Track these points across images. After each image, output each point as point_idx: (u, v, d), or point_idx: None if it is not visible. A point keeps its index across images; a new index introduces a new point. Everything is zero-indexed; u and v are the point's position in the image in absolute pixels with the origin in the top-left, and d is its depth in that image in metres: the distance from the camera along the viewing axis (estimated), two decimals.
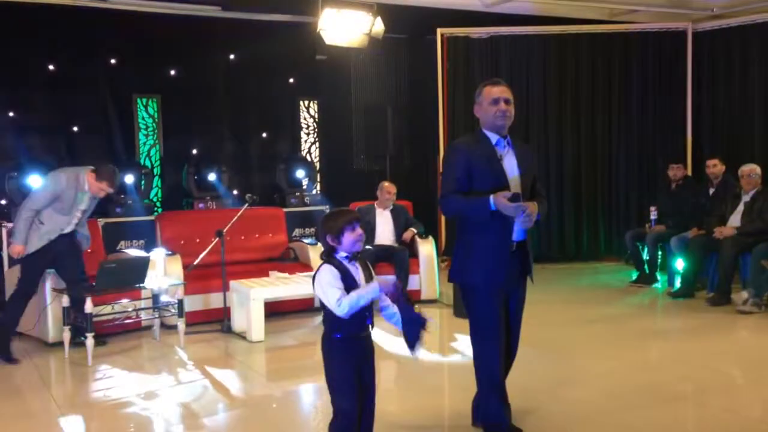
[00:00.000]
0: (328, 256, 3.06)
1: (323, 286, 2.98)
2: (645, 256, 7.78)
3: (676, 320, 6.52)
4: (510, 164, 3.54)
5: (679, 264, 7.29)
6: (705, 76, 9.13)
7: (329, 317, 3.02)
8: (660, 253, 7.72)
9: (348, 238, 3.01)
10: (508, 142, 3.58)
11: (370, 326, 3.08)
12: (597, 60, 9.27)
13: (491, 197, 3.37)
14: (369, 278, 3.09)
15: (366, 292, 2.96)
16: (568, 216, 9.38)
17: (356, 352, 3.04)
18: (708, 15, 9.22)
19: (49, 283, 5.66)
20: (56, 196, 5.46)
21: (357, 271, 3.05)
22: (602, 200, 9.38)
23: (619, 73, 9.26)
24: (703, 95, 9.15)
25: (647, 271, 7.76)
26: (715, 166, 7.54)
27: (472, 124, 9.08)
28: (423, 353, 3.20)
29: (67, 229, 5.55)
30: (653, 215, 7.80)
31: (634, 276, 7.88)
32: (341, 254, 3.05)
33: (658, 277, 7.75)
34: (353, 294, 2.95)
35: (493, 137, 3.55)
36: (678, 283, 7.27)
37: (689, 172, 8.54)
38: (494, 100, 3.53)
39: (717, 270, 6.82)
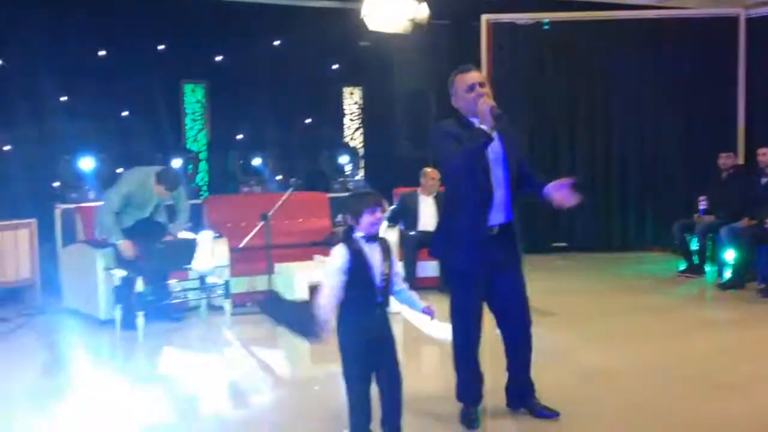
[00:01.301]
0: (346, 235, 3.15)
1: (326, 268, 3.13)
2: (693, 246, 7.64)
3: (725, 311, 6.40)
4: (495, 149, 3.49)
5: (729, 255, 7.14)
6: (758, 62, 8.88)
7: (341, 295, 3.11)
8: (709, 244, 7.58)
9: (366, 219, 3.10)
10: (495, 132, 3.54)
11: (381, 305, 3.16)
12: (646, 46, 9.08)
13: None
14: (387, 260, 3.17)
15: (327, 305, 3.04)
16: (613, 205, 9.24)
17: (365, 328, 3.11)
18: (761, 1, 8.97)
19: (101, 261, 5.81)
20: (128, 197, 5.72)
21: (373, 252, 3.13)
22: (649, 189, 9.21)
23: (668, 59, 9.05)
24: (756, 82, 8.90)
25: (696, 262, 7.62)
26: (765, 155, 7.36)
27: (519, 112, 9.04)
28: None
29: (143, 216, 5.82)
30: (702, 205, 7.64)
31: (682, 266, 7.75)
32: (359, 234, 3.12)
33: (707, 269, 7.60)
34: (325, 304, 3.04)
35: (475, 121, 3.50)
36: (728, 274, 7.12)
37: (741, 161, 8.35)
38: (470, 87, 3.50)
39: None
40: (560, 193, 3.53)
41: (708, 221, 7.51)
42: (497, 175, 3.51)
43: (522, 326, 3.72)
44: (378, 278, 3.13)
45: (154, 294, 5.69)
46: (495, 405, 3.76)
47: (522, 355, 3.73)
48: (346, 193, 8.74)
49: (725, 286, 6.97)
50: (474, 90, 3.48)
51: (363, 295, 3.12)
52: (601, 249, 9.10)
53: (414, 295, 3.34)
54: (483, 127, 3.34)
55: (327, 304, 3.07)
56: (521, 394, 3.75)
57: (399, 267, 3.34)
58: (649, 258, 8.76)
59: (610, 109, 9.16)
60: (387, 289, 3.19)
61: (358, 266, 3.09)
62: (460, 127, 3.54)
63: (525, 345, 3.74)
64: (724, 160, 7.71)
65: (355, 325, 3.13)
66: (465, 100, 3.53)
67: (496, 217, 3.52)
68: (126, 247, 5.62)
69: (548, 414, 3.66)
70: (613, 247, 9.17)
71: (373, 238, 3.15)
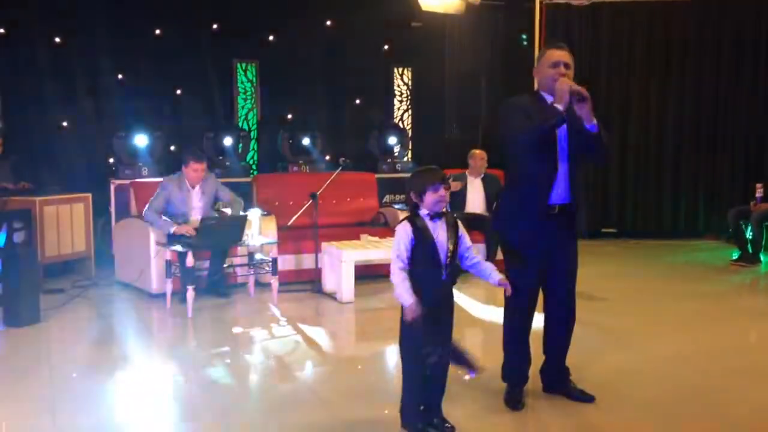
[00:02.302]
0: (412, 213, 3.17)
1: (394, 243, 3.16)
2: (748, 234, 7.44)
3: None
4: (560, 133, 3.46)
5: None
6: None
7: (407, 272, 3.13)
8: (765, 233, 7.37)
9: (430, 197, 3.11)
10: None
11: (447, 282, 3.16)
12: (704, 26, 8.82)
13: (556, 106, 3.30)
14: (453, 236, 3.15)
15: (404, 298, 3.05)
16: (666, 191, 9.06)
17: (430, 306, 3.10)
18: None
19: (154, 236, 5.95)
20: (167, 200, 5.95)
21: (437, 229, 3.13)
22: (704, 176, 9.00)
23: (727, 42, 8.79)
24: None
25: (750, 251, 7.43)
26: None
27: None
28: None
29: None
30: (759, 192, 7.44)
31: (736, 255, 7.56)
32: (424, 211, 3.13)
33: (762, 258, 7.41)
34: (402, 285, 3.06)
35: (549, 99, 3.48)
36: None
37: None
38: (554, 63, 3.49)
39: None
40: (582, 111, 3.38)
41: (764, 209, 7.30)
42: (561, 154, 3.48)
43: (566, 311, 3.70)
44: (443, 256, 3.13)
45: (208, 270, 5.84)
46: (530, 388, 3.74)
47: (562, 339, 3.72)
48: (395, 174, 8.79)
49: None
50: (558, 67, 3.48)
51: (428, 273, 3.12)
52: (652, 236, 8.94)
53: (489, 266, 3.32)
54: (558, 106, 3.31)
55: (399, 283, 3.08)
56: (559, 379, 3.74)
57: (469, 240, 3.31)
58: (702, 246, 8.57)
59: (664, 94, 8.93)
60: (453, 266, 3.18)
61: (422, 244, 3.10)
62: (533, 102, 3.52)
63: (567, 330, 3.72)
64: None
65: (420, 302, 3.11)
66: (546, 75, 3.52)
67: (558, 195, 3.49)
68: (183, 230, 5.76)
69: (584, 398, 3.65)
70: (664, 234, 9.01)
71: (438, 215, 3.15)
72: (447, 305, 3.21)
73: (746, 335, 5.17)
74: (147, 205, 5.98)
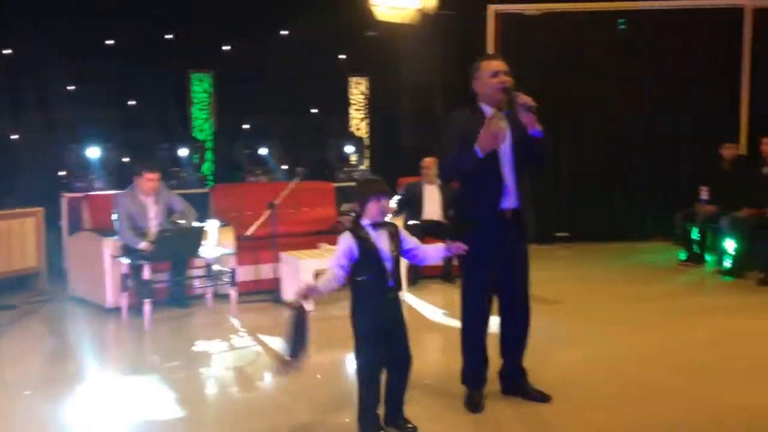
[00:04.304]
0: (354, 224, 3.25)
1: (335, 253, 3.23)
2: (694, 236, 7.68)
3: (724, 299, 6.43)
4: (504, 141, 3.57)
5: (730, 244, 7.18)
6: (763, 53, 8.87)
7: (354, 281, 3.24)
8: (709, 234, 7.61)
9: (372, 208, 3.20)
10: (505, 113, 3.60)
11: (393, 289, 3.24)
12: (650, 37, 9.08)
13: (476, 146, 3.45)
14: (396, 245, 3.26)
15: (322, 285, 3.15)
16: (616, 195, 9.29)
17: (379, 312, 3.21)
18: None
19: (108, 249, 5.88)
20: (129, 216, 5.81)
21: (379, 238, 3.22)
22: (652, 179, 9.25)
23: (673, 49, 9.06)
24: (760, 73, 8.89)
25: (697, 251, 7.66)
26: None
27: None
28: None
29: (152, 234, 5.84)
30: (704, 195, 7.67)
31: (683, 256, 7.78)
32: (366, 221, 3.22)
33: (708, 258, 7.65)
34: (326, 281, 3.15)
35: (488, 111, 3.60)
36: (728, 264, 7.16)
37: (744, 151, 8.36)
38: (494, 73, 3.60)
39: None
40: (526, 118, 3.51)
41: (709, 211, 7.53)
42: (506, 164, 3.58)
43: (521, 313, 3.80)
44: (388, 264, 3.20)
45: (167, 282, 5.80)
46: (489, 390, 3.83)
47: (519, 342, 3.81)
48: (352, 183, 8.82)
49: (725, 273, 7.04)
50: (498, 76, 3.57)
51: (374, 281, 3.20)
52: (602, 239, 9.14)
53: (428, 248, 3.41)
54: (478, 148, 3.43)
55: (321, 285, 3.15)
56: (516, 380, 3.83)
57: (410, 238, 3.41)
58: (650, 248, 8.79)
59: (614, 100, 9.17)
60: (398, 273, 3.26)
61: (366, 253, 3.17)
62: (471, 120, 3.60)
63: (523, 333, 3.81)
64: (728, 151, 7.73)
65: (369, 310, 3.22)
66: (487, 85, 3.61)
67: (509, 201, 3.60)
68: (147, 247, 5.68)
69: (541, 398, 3.75)
70: (614, 237, 9.21)
71: (380, 224, 3.21)
72: (398, 310, 3.30)
73: (697, 332, 5.33)
74: (118, 229, 5.84)
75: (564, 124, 9.15)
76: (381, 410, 3.34)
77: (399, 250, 3.28)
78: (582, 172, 9.30)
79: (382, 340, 3.23)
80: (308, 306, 3.18)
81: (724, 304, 6.32)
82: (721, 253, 7.37)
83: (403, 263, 6.03)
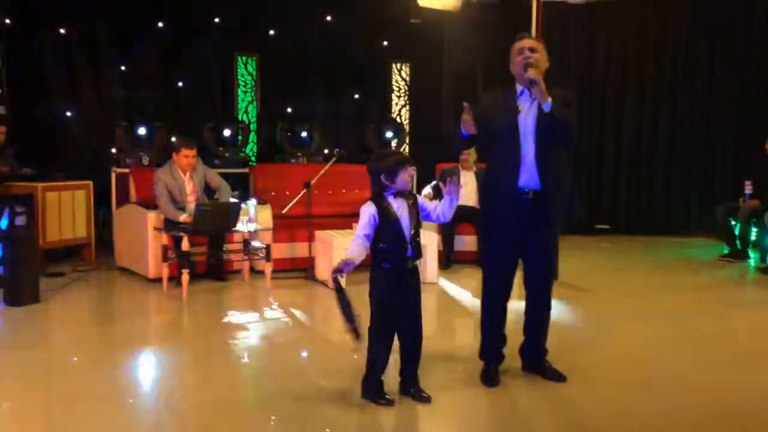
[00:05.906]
0: (377, 196, 3.31)
1: (359, 222, 3.33)
2: (737, 231, 7.55)
3: (762, 294, 6.33)
4: (525, 120, 3.59)
5: None
6: None
7: (374, 249, 3.32)
8: (754, 229, 7.48)
9: (401, 177, 3.28)
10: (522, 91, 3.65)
11: (411, 259, 3.34)
12: (697, 26, 8.94)
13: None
14: (416, 214, 3.35)
15: (354, 255, 3.26)
16: (658, 187, 9.18)
17: (397, 281, 3.32)
18: None
19: (151, 222, 6.10)
20: (168, 189, 6.00)
21: (400, 208, 3.32)
22: (696, 172, 9.12)
23: (721, 39, 8.90)
24: None
25: (739, 247, 7.54)
26: None
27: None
28: None
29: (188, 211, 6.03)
30: (748, 189, 7.54)
31: (725, 251, 7.67)
32: (387, 193, 3.31)
33: (750, 254, 7.52)
34: (355, 247, 3.27)
35: (519, 89, 3.65)
36: None
37: None
38: (519, 51, 3.65)
39: None
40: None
41: (752, 205, 7.41)
42: (526, 142, 3.60)
43: (542, 296, 3.84)
44: (407, 232, 3.30)
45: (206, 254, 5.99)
46: (509, 366, 3.89)
47: (539, 321, 3.86)
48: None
49: (766, 270, 6.90)
50: (522, 54, 3.62)
51: (394, 249, 3.30)
52: (644, 232, 9.06)
53: (440, 203, 3.46)
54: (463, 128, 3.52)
55: (352, 252, 3.26)
56: (536, 359, 3.88)
57: (427, 202, 3.50)
58: (692, 242, 8.68)
59: (659, 90, 9.05)
60: (418, 241, 3.34)
61: (387, 221, 3.27)
62: (498, 97, 3.69)
63: (543, 313, 3.86)
64: None
65: (387, 278, 3.31)
66: (515, 64, 3.67)
67: (529, 180, 3.59)
68: (187, 219, 5.89)
69: (558, 377, 3.79)
70: (656, 230, 9.12)
71: (401, 193, 3.30)
72: (415, 279, 3.39)
73: (727, 325, 5.29)
74: (159, 203, 6.03)
75: (607, 114, 9.07)
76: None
77: (418, 219, 3.36)
78: (625, 163, 9.22)
79: (397, 307, 3.32)
80: (343, 282, 3.27)
81: (760, 297, 6.23)
82: (764, 249, 7.24)
83: (433, 250, 6.16)
